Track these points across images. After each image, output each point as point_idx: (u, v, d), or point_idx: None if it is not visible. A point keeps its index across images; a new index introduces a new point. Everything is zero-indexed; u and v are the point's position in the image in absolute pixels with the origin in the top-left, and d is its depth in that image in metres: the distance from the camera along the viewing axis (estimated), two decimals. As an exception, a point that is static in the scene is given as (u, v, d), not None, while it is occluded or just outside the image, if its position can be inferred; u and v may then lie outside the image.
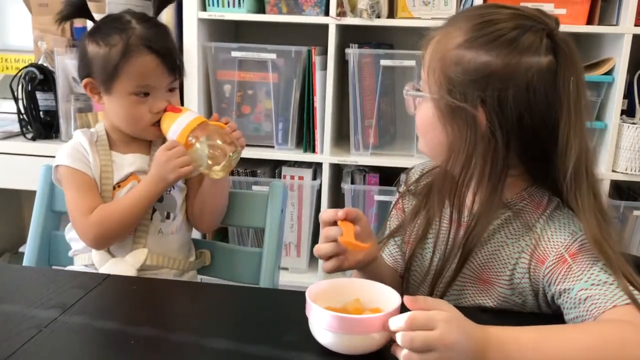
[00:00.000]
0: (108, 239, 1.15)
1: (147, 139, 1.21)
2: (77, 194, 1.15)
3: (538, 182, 0.89)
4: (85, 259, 1.19)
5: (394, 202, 1.07)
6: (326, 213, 0.88)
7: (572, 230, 0.84)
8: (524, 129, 0.82)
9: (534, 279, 0.85)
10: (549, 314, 0.86)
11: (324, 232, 0.88)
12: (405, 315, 0.67)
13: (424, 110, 0.88)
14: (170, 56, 1.15)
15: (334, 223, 0.87)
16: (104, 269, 1.15)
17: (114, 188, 1.17)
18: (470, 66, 0.81)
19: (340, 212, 0.86)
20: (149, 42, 1.12)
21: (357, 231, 0.85)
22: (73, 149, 1.18)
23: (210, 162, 1.11)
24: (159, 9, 1.23)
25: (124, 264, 1.15)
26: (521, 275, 0.86)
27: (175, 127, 1.12)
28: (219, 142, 1.11)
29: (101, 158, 1.18)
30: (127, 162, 1.19)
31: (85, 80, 1.18)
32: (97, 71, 1.15)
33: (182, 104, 1.93)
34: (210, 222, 1.27)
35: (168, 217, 1.21)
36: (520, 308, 0.88)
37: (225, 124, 1.18)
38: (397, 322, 0.68)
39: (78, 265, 1.20)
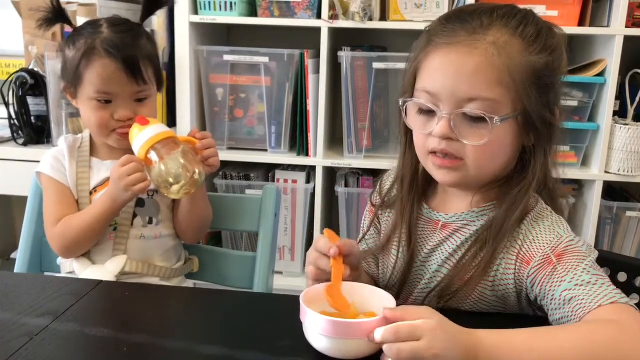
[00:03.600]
0: (72, 250, 1.15)
1: (115, 147, 1.18)
2: (51, 204, 1.17)
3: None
4: (68, 266, 1.19)
5: (367, 210, 1.05)
6: (320, 242, 0.83)
7: (557, 232, 0.84)
8: None
9: (518, 280, 0.85)
10: (534, 316, 0.86)
11: (315, 260, 0.83)
12: (390, 326, 0.67)
13: (501, 132, 0.82)
14: (132, 62, 1.11)
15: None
16: (83, 277, 1.14)
17: (91, 193, 1.18)
18: (543, 69, 0.82)
19: (333, 250, 0.81)
20: (109, 47, 1.10)
21: (346, 276, 0.81)
22: (53, 158, 1.19)
23: (172, 180, 1.05)
24: (145, 15, 1.22)
25: (104, 271, 1.14)
26: (505, 276, 0.85)
27: (137, 140, 1.07)
28: (181, 160, 1.05)
29: (78, 164, 1.19)
30: (105, 167, 1.19)
31: (62, 85, 1.19)
32: (66, 75, 1.16)
33: (174, 108, 1.94)
34: (192, 235, 1.25)
35: (150, 222, 1.20)
36: (501, 310, 0.88)
37: (202, 139, 1.13)
38: (382, 334, 0.67)
39: (63, 274, 1.20)
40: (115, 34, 1.13)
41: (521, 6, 0.87)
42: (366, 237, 1.03)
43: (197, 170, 1.06)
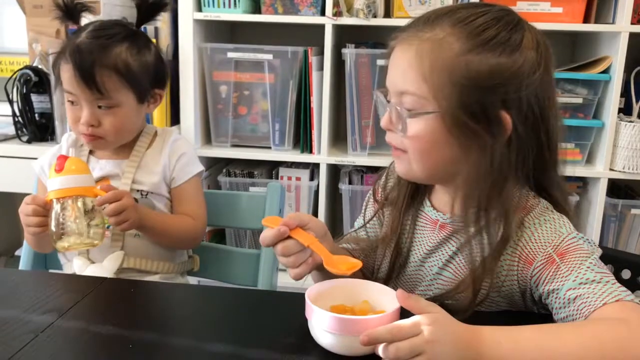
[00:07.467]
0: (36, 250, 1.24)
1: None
2: None
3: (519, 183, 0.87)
4: (69, 268, 1.20)
5: (370, 196, 1.05)
6: (267, 235, 0.82)
7: (559, 230, 0.83)
8: (538, 126, 0.82)
9: (522, 280, 0.84)
10: (539, 313, 0.86)
11: (281, 250, 0.82)
12: (389, 327, 0.66)
13: (424, 128, 0.81)
14: (86, 70, 1.09)
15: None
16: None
17: None
18: (483, 71, 0.78)
19: (282, 228, 0.81)
20: (72, 51, 1.11)
21: (319, 237, 0.83)
22: (52, 158, 1.20)
23: (63, 237, 1.03)
24: (140, 21, 1.22)
25: (102, 269, 1.15)
26: (509, 277, 0.84)
27: (49, 182, 1.04)
28: (77, 219, 1.03)
29: None
30: (100, 166, 1.20)
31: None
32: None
33: (177, 105, 1.94)
34: (179, 248, 1.27)
35: None
36: (507, 308, 0.87)
37: (110, 200, 1.06)
38: (382, 335, 0.66)
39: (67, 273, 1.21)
40: (89, 39, 1.13)
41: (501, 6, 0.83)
42: (368, 226, 1.03)
43: (92, 232, 1.04)
